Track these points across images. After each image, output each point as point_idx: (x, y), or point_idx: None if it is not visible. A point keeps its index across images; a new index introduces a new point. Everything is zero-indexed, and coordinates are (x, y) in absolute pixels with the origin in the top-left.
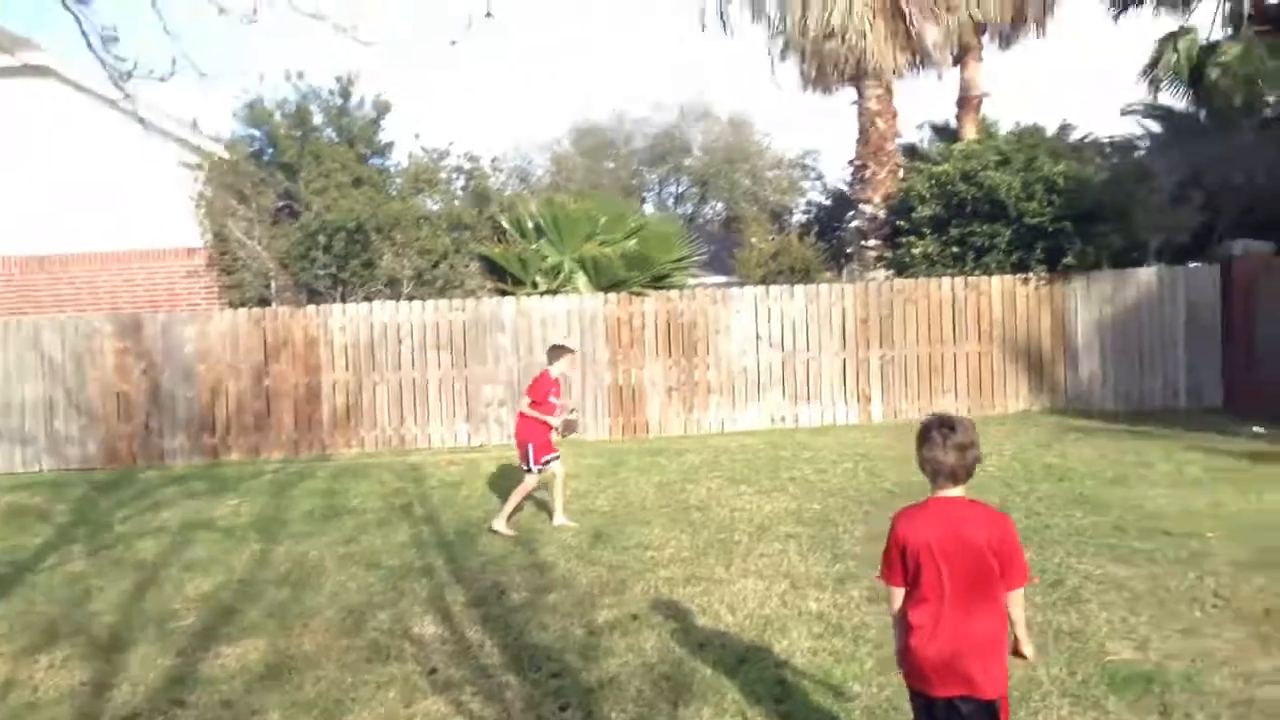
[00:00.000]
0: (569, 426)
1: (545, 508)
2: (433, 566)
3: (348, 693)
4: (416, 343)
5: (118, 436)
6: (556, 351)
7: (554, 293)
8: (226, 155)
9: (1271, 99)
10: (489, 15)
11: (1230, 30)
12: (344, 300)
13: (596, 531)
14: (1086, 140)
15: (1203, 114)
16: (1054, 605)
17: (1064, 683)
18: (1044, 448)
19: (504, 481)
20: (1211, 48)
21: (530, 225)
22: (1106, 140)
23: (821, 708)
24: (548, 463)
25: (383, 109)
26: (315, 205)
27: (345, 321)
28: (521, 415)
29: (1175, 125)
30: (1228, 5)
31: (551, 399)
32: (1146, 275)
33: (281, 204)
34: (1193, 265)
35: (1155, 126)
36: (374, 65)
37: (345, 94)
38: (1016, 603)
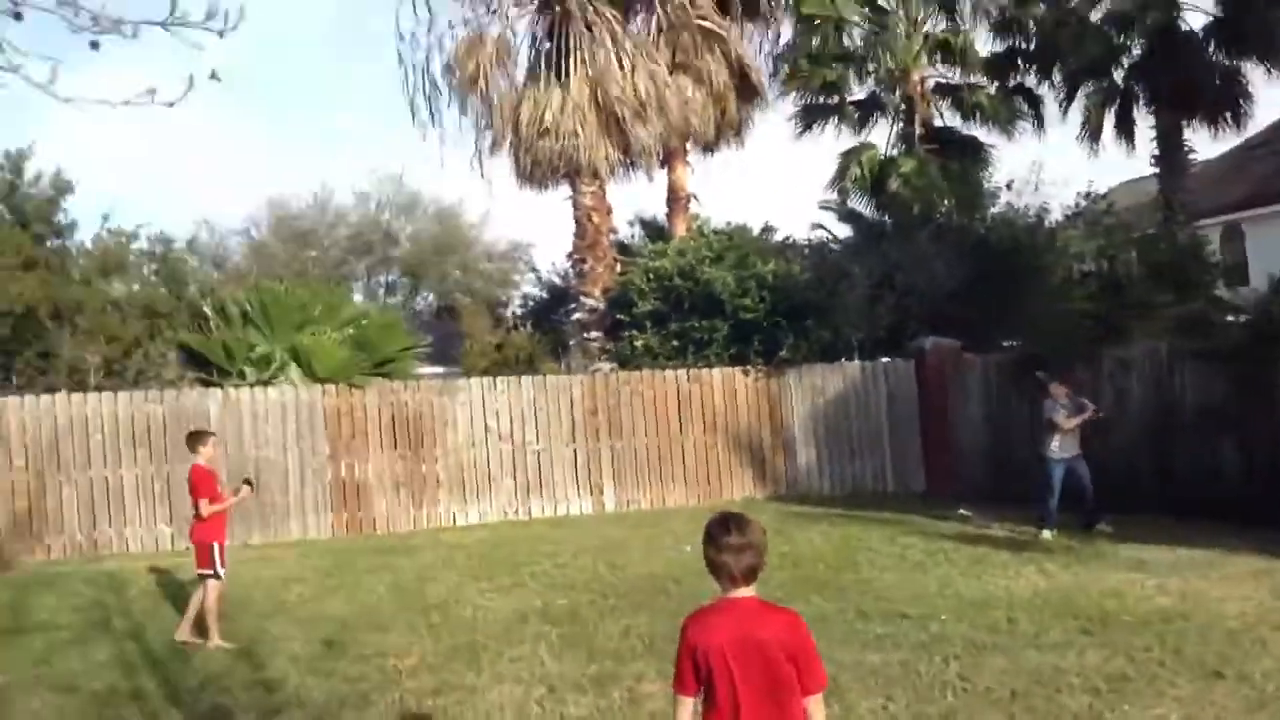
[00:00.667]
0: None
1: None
2: (142, 689)
3: None
4: (109, 438)
5: None
6: (197, 439)
7: (265, 384)
8: None
9: (943, 209)
10: (214, 77)
11: (904, 147)
12: (20, 392)
13: (328, 640)
14: (787, 242)
15: (886, 220)
16: None
17: None
18: (774, 534)
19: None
20: (890, 161)
21: (236, 312)
22: (804, 242)
23: None
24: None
25: (62, 188)
26: None
27: (24, 415)
28: (200, 520)
29: (864, 230)
30: (900, 124)
31: (219, 488)
32: (852, 369)
33: None
34: (889, 360)
35: (848, 230)
36: (56, 132)
37: (18, 170)
38: (817, 708)
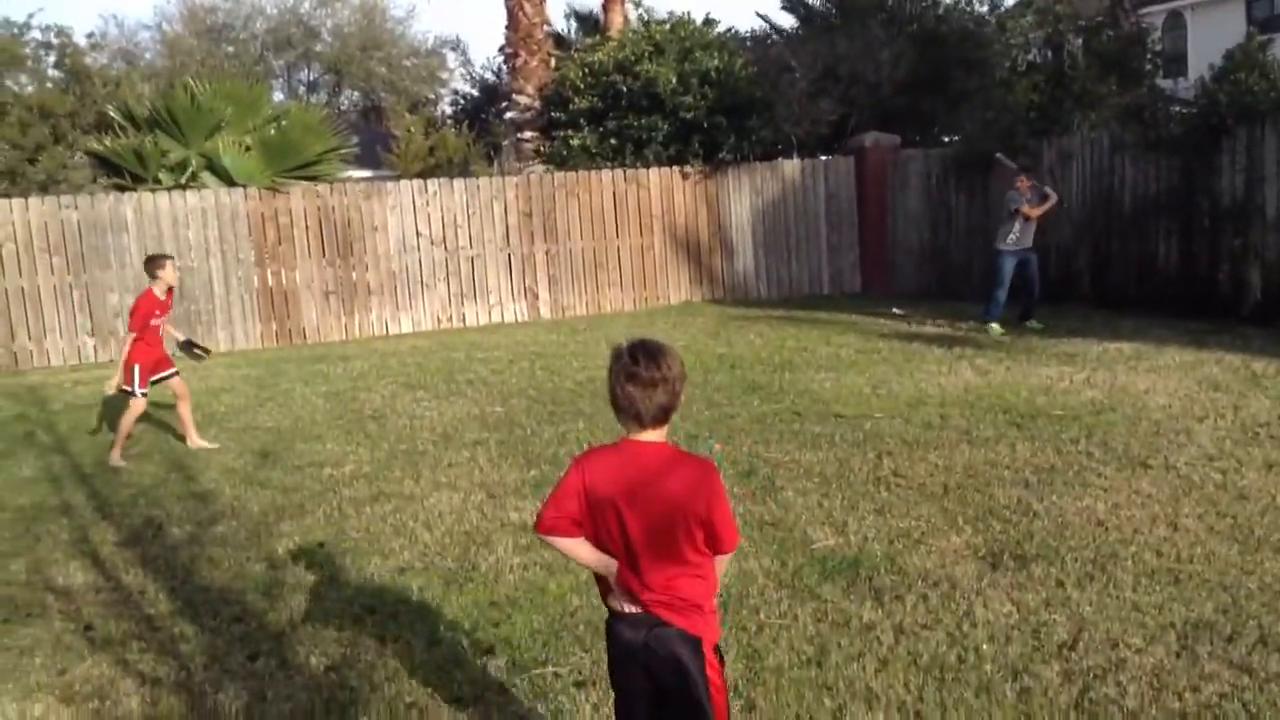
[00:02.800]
0: (194, 356)
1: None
2: (71, 504)
3: None
4: (22, 247)
5: None
6: (155, 263)
7: (184, 188)
8: None
9: None
10: None
11: None
12: None
13: (263, 450)
14: (730, 34)
15: (834, 10)
16: (752, 495)
17: (777, 574)
18: (712, 337)
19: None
20: None
21: (144, 115)
22: (746, 34)
23: (541, 627)
24: (159, 381)
25: None
26: None
27: None
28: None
29: (811, 20)
30: None
31: (155, 321)
32: (791, 168)
33: None
34: (829, 157)
35: (793, 21)
36: None
37: None
38: (722, 564)
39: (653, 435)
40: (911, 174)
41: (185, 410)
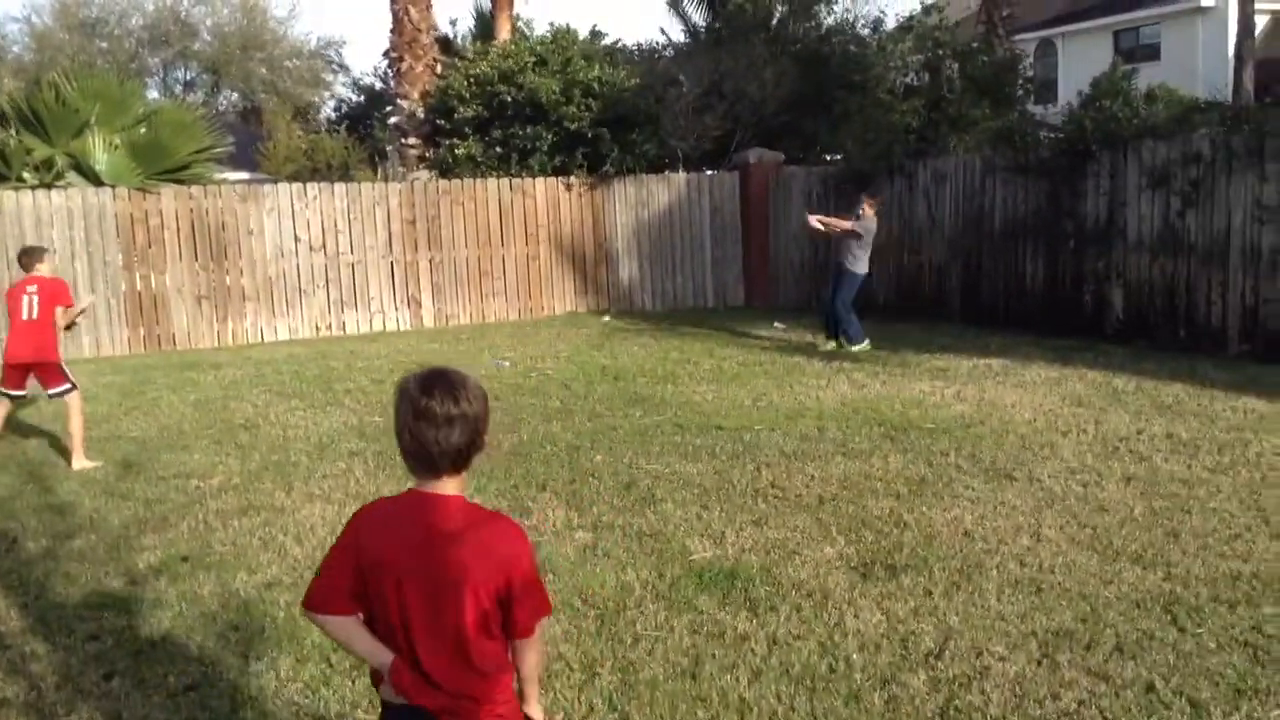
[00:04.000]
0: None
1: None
2: None
3: None
4: None
5: None
6: (35, 255)
7: (49, 187)
8: None
9: (779, 12)
10: None
11: None
12: None
13: (126, 461)
14: (616, 46)
15: (720, 26)
16: (631, 508)
17: (655, 586)
18: (596, 349)
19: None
20: None
21: (9, 109)
22: (634, 47)
23: None
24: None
25: None
26: None
27: None
28: (54, 333)
29: (697, 36)
30: None
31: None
32: (676, 181)
33: None
34: (714, 172)
35: (679, 35)
36: None
37: None
38: (532, 649)
39: (448, 486)
40: (794, 191)
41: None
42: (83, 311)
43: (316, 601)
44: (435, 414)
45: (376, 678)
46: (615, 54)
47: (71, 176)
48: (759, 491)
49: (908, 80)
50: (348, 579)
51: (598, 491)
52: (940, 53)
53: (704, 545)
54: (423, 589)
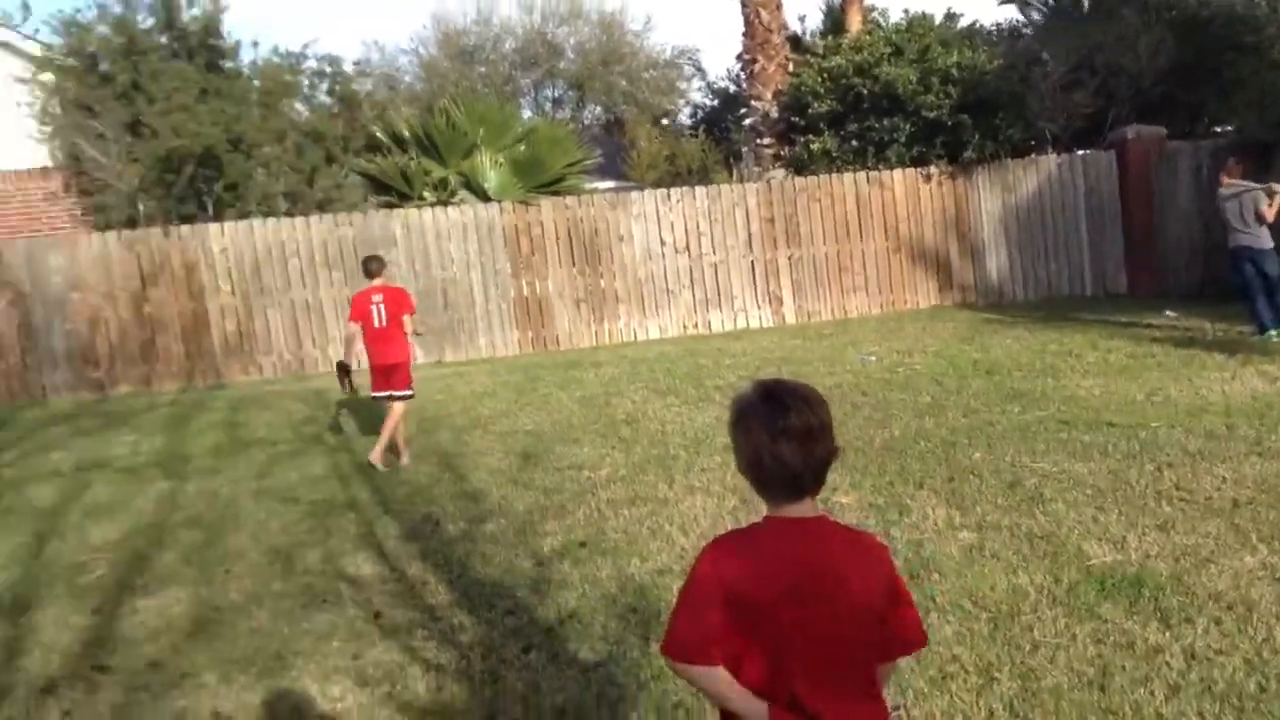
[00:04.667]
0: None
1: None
2: (357, 499)
3: (287, 645)
4: (305, 262)
5: None
6: (382, 261)
7: (445, 204)
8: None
9: None
10: None
11: None
12: (218, 221)
13: (525, 452)
14: (974, 28)
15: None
16: (1018, 508)
17: (1051, 591)
18: (966, 342)
19: (416, 405)
20: None
21: (407, 135)
22: (992, 28)
23: None
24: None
25: (216, 6)
26: (161, 131)
27: (226, 243)
28: (397, 338)
29: (1059, 11)
30: None
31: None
32: (1046, 164)
33: (129, 123)
34: (1088, 152)
35: (1039, 12)
36: None
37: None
38: (888, 675)
39: (809, 506)
40: (1180, 167)
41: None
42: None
43: (689, 652)
44: (797, 429)
45: None
46: (974, 36)
47: (463, 194)
48: (1161, 493)
49: None
50: (717, 625)
51: (979, 490)
52: None
53: (1103, 550)
54: (818, 625)
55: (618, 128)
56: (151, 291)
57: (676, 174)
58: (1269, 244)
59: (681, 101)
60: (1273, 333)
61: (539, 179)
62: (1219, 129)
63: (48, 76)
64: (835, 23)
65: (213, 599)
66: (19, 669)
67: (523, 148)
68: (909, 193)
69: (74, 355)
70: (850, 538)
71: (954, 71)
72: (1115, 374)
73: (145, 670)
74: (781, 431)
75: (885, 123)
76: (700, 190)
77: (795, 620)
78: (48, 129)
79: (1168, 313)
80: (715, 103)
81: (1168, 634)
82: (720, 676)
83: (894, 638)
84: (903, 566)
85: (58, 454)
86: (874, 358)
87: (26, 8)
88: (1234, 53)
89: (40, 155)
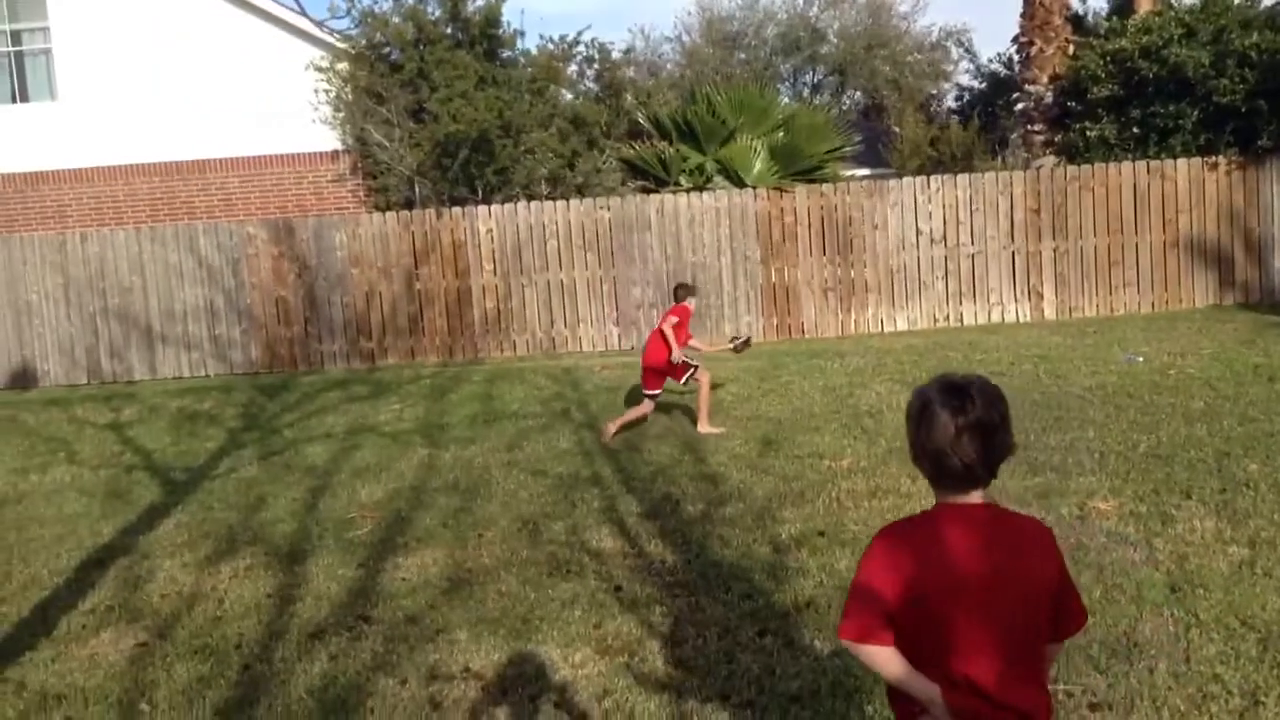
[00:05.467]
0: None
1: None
2: (600, 475)
3: (533, 609)
4: (563, 243)
5: (278, 341)
6: (686, 290)
7: (700, 189)
8: (353, 55)
9: None
10: None
11: None
12: (485, 203)
13: (765, 439)
14: (1278, 8)
15: None
16: None
17: None
18: (1246, 345)
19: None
20: None
21: (668, 122)
22: None
23: None
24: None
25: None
26: (441, 117)
27: (491, 224)
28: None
29: None
30: None
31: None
32: None
33: (413, 110)
34: None
35: None
36: None
37: None
38: (1055, 655)
39: (979, 497)
40: None
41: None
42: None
43: (861, 632)
44: (983, 424)
45: (905, 710)
46: (1277, 16)
47: (719, 180)
48: None
49: None
50: (889, 608)
51: (1254, 503)
52: None
53: None
54: (993, 608)
55: (878, 113)
56: (422, 269)
57: (939, 161)
58: None
59: (947, 85)
60: None
61: (796, 166)
62: None
63: (343, 65)
64: (1123, 3)
65: (466, 561)
66: (293, 615)
67: (781, 134)
68: (1192, 183)
69: (350, 326)
70: (1019, 524)
71: (1252, 54)
72: None
73: (403, 623)
74: (968, 427)
75: (1171, 108)
76: (963, 178)
77: (967, 606)
78: (340, 115)
79: None
80: (984, 86)
81: None
82: (892, 656)
83: (1064, 618)
84: (1163, 579)
85: (331, 417)
86: (1141, 358)
87: (352, 2)
88: None
89: (331, 139)
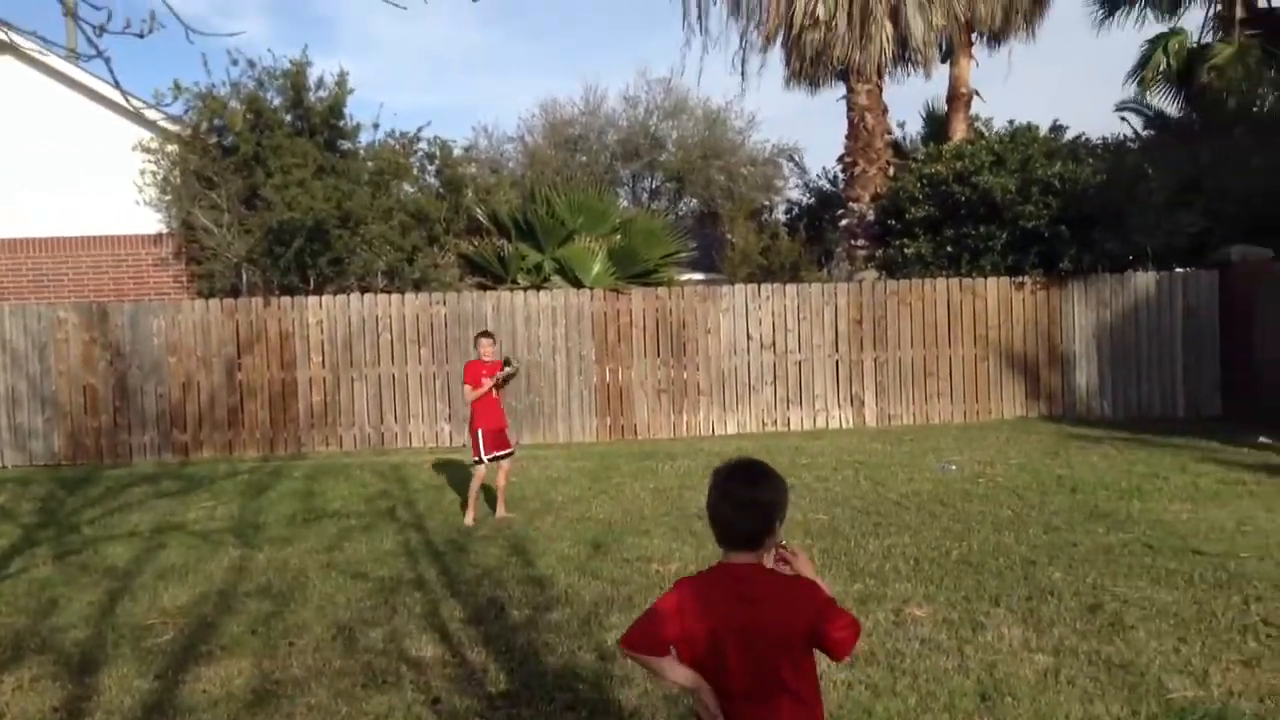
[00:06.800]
0: (507, 377)
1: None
2: (424, 578)
3: None
4: (396, 337)
5: (84, 431)
6: (482, 338)
7: (537, 288)
8: (183, 138)
9: (1267, 102)
10: None
11: (1219, 32)
12: (317, 294)
13: (595, 541)
14: (1079, 141)
15: (1194, 117)
16: (1098, 633)
17: None
18: (1050, 456)
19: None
20: (1202, 50)
21: (509, 221)
22: (1099, 142)
23: None
24: (497, 459)
25: (342, 90)
26: (276, 204)
27: (322, 315)
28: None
29: (1167, 128)
30: (1218, 6)
31: (485, 380)
32: (1144, 280)
33: (245, 195)
34: (1189, 270)
35: (1147, 129)
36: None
37: (301, 76)
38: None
39: (749, 557)
40: None
41: (503, 483)
42: (496, 379)
43: (640, 644)
44: (734, 497)
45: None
46: (1078, 149)
47: (556, 280)
48: (1248, 628)
49: None
50: (668, 634)
51: (1058, 612)
52: None
53: (1184, 683)
54: (743, 646)
55: (713, 220)
56: (245, 359)
57: (769, 270)
58: None
59: (778, 198)
60: None
61: (633, 269)
62: None
63: (172, 148)
64: (937, 129)
65: (274, 671)
66: None
67: (619, 237)
68: (1001, 301)
69: (164, 418)
70: (776, 580)
71: (1055, 182)
72: (1205, 500)
73: None
74: (723, 496)
75: (982, 230)
76: (791, 288)
77: (726, 642)
78: (167, 197)
79: (1262, 439)
80: (811, 200)
81: None
82: (667, 662)
83: (837, 639)
84: (974, 686)
85: (137, 515)
86: (954, 466)
87: (178, 89)
88: None
89: (155, 222)
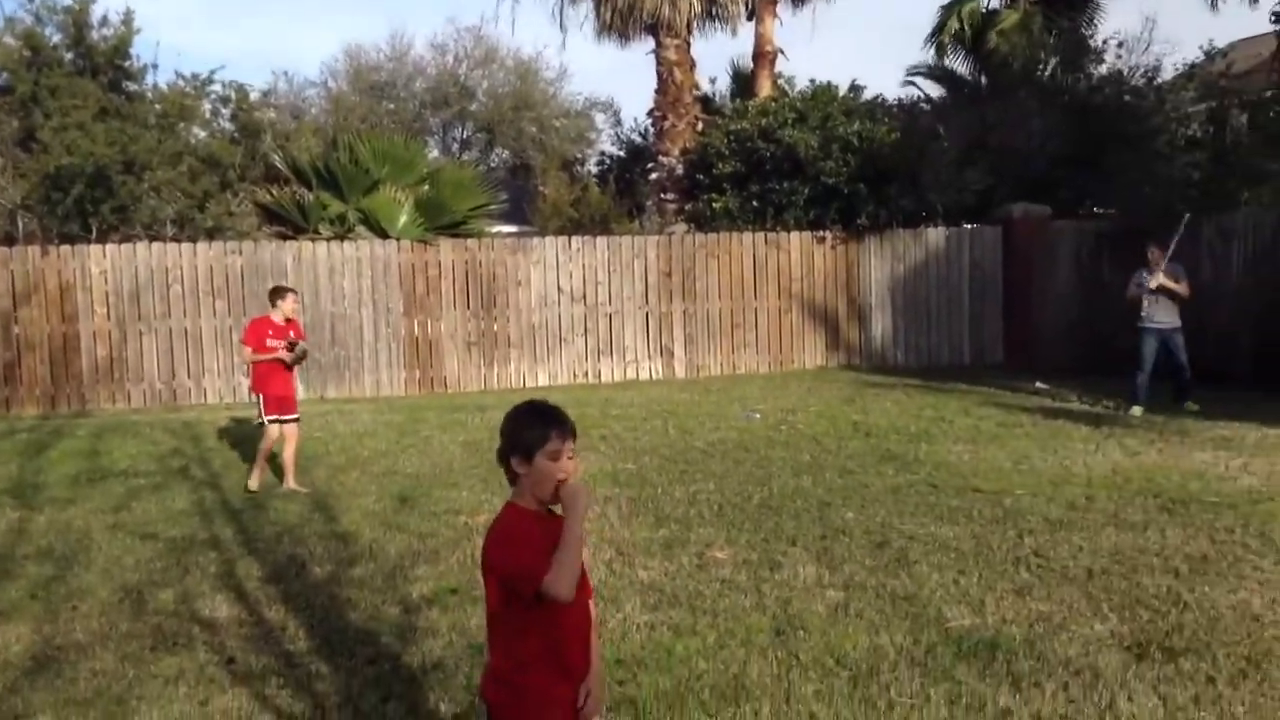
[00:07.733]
0: (299, 356)
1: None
2: (220, 538)
3: (131, 688)
4: (188, 289)
5: None
6: (275, 293)
7: (341, 239)
8: None
9: (1049, 66)
10: None
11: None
12: (101, 243)
13: (402, 495)
14: (877, 101)
15: (984, 80)
16: (885, 568)
17: (909, 651)
18: (847, 403)
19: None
20: (991, 16)
21: (309, 169)
22: (894, 102)
23: (667, 689)
24: (280, 421)
25: (129, 28)
26: (54, 147)
27: (106, 265)
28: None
29: (959, 90)
30: None
31: (269, 343)
32: (934, 235)
33: (20, 137)
34: (975, 225)
35: (940, 90)
36: None
37: (84, 13)
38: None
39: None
40: (1061, 246)
41: (289, 453)
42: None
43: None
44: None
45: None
46: (875, 109)
47: (361, 230)
48: (1021, 560)
49: (1189, 132)
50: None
51: (849, 549)
52: (1225, 103)
53: (961, 612)
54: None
55: (525, 172)
56: (22, 311)
57: (580, 222)
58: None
59: (590, 151)
60: (1137, 409)
61: (442, 220)
62: (1098, 210)
63: None
64: (744, 86)
65: (56, 637)
66: None
67: (427, 188)
68: (804, 255)
69: None
70: (497, 517)
71: (854, 140)
72: (985, 441)
73: None
74: None
75: (785, 185)
76: (602, 240)
77: None
78: None
79: (1039, 384)
80: (623, 154)
81: (1018, 697)
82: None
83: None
84: (770, 622)
85: None
86: (758, 415)
87: None
88: (1118, 142)
89: None
